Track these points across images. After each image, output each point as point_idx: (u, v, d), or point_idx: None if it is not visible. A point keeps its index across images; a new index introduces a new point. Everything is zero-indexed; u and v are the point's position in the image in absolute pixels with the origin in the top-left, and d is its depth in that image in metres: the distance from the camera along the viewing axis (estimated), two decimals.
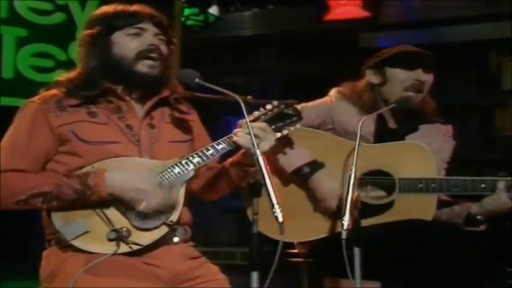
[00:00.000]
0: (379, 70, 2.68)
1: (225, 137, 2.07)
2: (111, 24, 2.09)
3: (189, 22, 6.19)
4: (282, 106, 2.16)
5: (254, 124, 2.03)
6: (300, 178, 2.55)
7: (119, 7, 2.15)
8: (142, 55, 2.07)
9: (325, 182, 2.52)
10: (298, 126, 2.19)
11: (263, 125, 2.08)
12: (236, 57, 6.91)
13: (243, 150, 2.10)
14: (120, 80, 2.10)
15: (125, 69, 2.07)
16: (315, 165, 2.54)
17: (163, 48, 2.13)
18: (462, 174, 2.65)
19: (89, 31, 2.12)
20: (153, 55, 2.09)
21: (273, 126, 2.11)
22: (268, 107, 2.16)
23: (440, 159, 2.64)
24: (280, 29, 6.64)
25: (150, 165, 2.01)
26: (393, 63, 2.64)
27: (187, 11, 6.11)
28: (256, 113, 2.14)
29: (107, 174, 1.92)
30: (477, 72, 6.52)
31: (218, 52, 6.74)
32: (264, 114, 2.13)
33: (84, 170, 1.96)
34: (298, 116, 2.18)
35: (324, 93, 2.84)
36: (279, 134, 2.14)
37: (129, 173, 1.94)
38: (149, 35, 2.10)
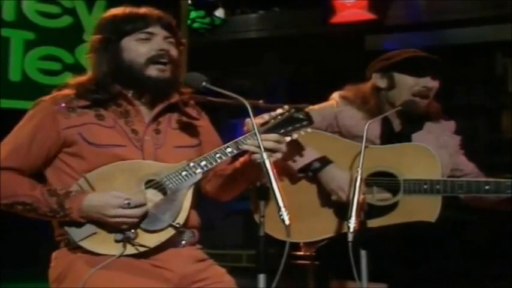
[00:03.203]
0: (386, 74, 2.69)
1: (233, 141, 2.09)
2: (120, 29, 2.10)
3: (196, 25, 6.22)
4: (293, 110, 2.16)
5: (267, 136, 2.04)
6: (309, 174, 2.57)
7: (127, 10, 2.15)
8: (152, 60, 2.09)
9: (338, 174, 2.53)
10: (309, 130, 2.19)
11: (277, 136, 2.07)
12: (242, 59, 6.92)
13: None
14: (131, 85, 2.11)
15: (136, 74, 2.09)
16: (325, 161, 2.56)
17: (173, 51, 2.14)
18: None
19: (99, 36, 2.12)
20: (163, 60, 2.10)
21: (282, 130, 2.12)
22: (279, 111, 2.16)
23: (447, 154, 2.67)
24: (286, 32, 6.65)
25: (158, 167, 2.03)
26: (402, 68, 2.65)
27: (193, 14, 6.14)
28: (266, 117, 2.15)
29: (85, 201, 1.94)
30: (483, 74, 6.50)
31: (224, 54, 6.75)
32: (274, 118, 2.14)
33: (71, 188, 1.99)
34: (309, 120, 2.18)
35: (330, 95, 2.86)
36: (289, 138, 2.14)
37: (105, 199, 1.94)
38: (159, 40, 2.11)
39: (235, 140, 2.08)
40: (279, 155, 2.04)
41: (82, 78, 2.13)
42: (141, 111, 2.13)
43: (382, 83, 2.70)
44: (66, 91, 2.11)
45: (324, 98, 2.87)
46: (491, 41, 6.15)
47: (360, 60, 2.89)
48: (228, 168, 2.21)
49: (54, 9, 4.38)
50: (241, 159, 2.15)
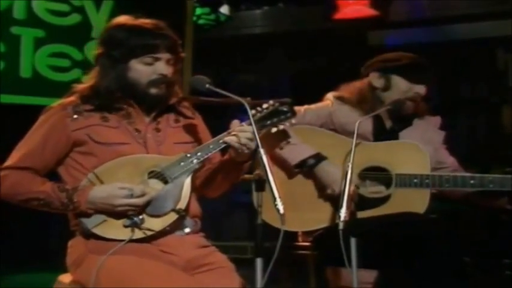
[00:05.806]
0: (384, 75, 2.79)
1: (225, 132, 2.24)
2: (129, 52, 2.24)
3: (201, 21, 6.29)
4: (277, 104, 2.30)
5: (245, 128, 2.19)
6: (305, 169, 2.71)
7: (136, 26, 2.26)
8: (152, 83, 2.25)
9: (331, 170, 2.68)
10: (293, 121, 2.32)
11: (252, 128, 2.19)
12: (247, 55, 6.98)
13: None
14: (132, 97, 2.28)
15: (139, 91, 2.26)
16: (320, 157, 2.71)
17: (171, 72, 2.29)
18: (469, 170, 2.79)
19: (106, 52, 2.27)
20: (162, 82, 2.26)
21: (268, 122, 2.27)
22: (264, 105, 2.30)
23: (432, 148, 2.80)
24: (290, 28, 6.72)
25: (157, 160, 2.20)
26: (402, 73, 2.75)
27: (199, 11, 6.21)
28: (252, 111, 2.28)
29: (91, 194, 2.12)
30: (485, 70, 6.54)
31: (229, 50, 6.82)
32: (260, 112, 2.28)
33: (82, 183, 2.16)
34: (292, 112, 2.31)
35: (333, 90, 2.97)
36: (275, 129, 2.29)
37: (110, 191, 2.12)
38: (161, 64, 2.26)
39: (228, 131, 2.23)
40: (252, 145, 2.16)
41: (85, 86, 2.30)
42: (141, 113, 2.30)
43: (378, 83, 2.81)
44: (72, 98, 2.29)
45: (328, 92, 2.98)
46: (493, 36, 6.19)
47: (362, 56, 2.99)
48: (213, 166, 2.36)
49: (63, 7, 4.47)
50: (225, 156, 2.31)
